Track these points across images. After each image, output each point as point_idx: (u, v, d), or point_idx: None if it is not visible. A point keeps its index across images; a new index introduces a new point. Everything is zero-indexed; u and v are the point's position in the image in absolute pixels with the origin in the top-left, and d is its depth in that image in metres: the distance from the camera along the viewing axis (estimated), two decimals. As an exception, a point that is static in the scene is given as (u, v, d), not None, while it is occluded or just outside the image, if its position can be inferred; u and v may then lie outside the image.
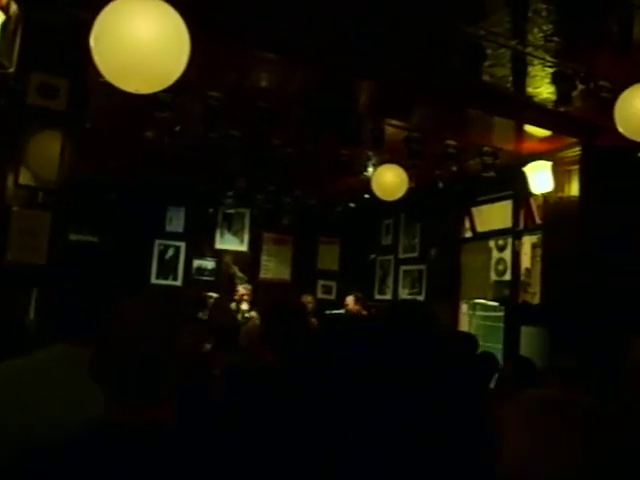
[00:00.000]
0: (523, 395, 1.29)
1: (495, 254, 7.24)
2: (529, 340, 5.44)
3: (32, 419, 1.63)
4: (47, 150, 3.50)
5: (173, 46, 2.51)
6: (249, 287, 7.97)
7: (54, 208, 3.43)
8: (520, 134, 5.45)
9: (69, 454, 1.34)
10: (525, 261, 6.67)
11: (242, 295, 7.73)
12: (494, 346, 6.15)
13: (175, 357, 1.44)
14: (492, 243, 7.30)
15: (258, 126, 5.09)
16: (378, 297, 8.92)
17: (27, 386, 1.71)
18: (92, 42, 2.51)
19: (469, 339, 5.85)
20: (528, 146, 5.66)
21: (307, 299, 7.78)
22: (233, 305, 7.59)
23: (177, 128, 5.58)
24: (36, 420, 1.62)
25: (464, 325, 7.57)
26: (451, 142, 5.62)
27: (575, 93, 4.38)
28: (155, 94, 4.34)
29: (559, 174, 5.59)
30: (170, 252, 8.76)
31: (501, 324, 6.41)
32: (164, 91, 4.41)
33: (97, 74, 2.77)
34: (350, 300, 7.38)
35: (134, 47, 2.42)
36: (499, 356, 5.71)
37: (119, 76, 2.53)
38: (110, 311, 1.53)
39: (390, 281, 8.76)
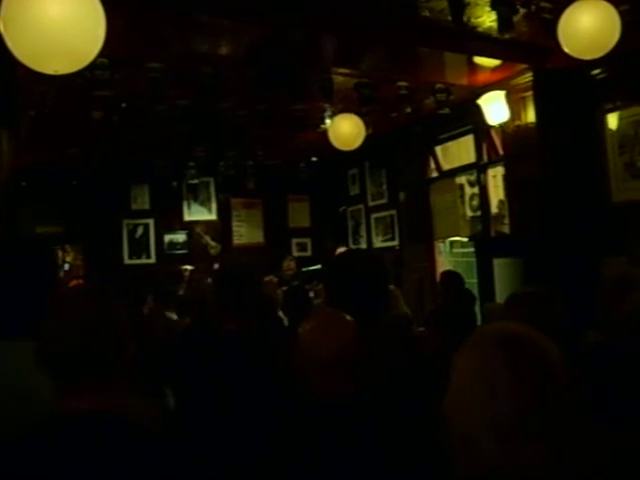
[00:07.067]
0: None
1: (468, 190, 7.20)
2: (504, 271, 5.44)
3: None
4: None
5: (87, 22, 2.39)
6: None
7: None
8: (470, 67, 5.37)
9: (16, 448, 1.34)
10: (498, 193, 6.63)
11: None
12: (470, 281, 6.18)
13: (114, 336, 1.44)
14: (463, 179, 7.25)
15: (205, 92, 4.98)
16: (354, 248, 8.90)
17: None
18: (2, 27, 2.40)
19: (451, 276, 5.90)
20: (481, 78, 5.59)
21: (290, 265, 7.74)
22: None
23: (123, 105, 5.45)
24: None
25: (443, 264, 7.59)
26: (402, 83, 5.54)
27: (518, 18, 4.31)
28: (93, 73, 4.25)
29: (514, 102, 5.54)
30: (139, 230, 8.65)
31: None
32: (101, 69, 4.32)
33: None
34: None
35: (46, 27, 2.31)
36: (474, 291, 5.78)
37: (35, 59, 2.42)
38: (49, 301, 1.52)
39: (363, 230, 8.74)
